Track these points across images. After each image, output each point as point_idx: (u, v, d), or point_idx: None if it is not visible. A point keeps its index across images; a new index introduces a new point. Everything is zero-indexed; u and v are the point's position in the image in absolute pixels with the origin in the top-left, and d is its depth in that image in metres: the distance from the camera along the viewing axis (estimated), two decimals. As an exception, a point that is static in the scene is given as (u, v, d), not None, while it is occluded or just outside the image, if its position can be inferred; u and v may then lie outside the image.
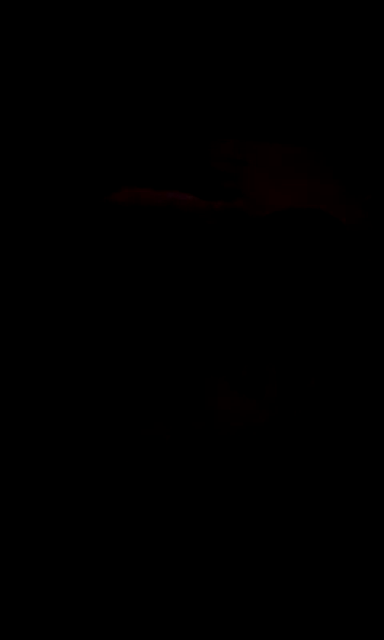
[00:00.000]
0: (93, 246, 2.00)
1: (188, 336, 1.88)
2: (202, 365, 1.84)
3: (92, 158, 2.26)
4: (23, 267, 1.97)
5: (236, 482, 1.63)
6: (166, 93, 2.38)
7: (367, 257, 2.03)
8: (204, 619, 1.49)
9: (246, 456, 1.66)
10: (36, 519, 1.62)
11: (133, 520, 1.62)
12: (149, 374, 1.83)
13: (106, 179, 2.20)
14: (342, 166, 2.36)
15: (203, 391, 1.77)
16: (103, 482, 1.66)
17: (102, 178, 2.21)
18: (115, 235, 2.00)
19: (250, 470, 1.65)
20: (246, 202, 2.21)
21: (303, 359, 1.81)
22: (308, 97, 2.44)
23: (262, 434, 1.68)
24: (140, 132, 2.34)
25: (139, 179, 2.20)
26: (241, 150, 2.40)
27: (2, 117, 2.27)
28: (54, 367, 1.85)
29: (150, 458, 1.67)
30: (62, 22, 2.34)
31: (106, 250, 1.98)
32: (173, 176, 2.24)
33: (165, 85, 2.38)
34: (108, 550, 1.58)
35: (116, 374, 1.84)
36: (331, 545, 1.58)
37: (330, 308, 1.89)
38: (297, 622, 1.49)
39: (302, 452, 1.67)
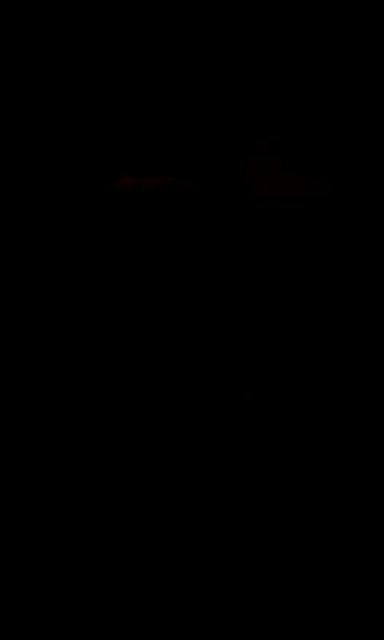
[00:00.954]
0: (96, 233, 1.99)
1: (195, 328, 1.88)
2: (211, 358, 1.84)
3: (91, 147, 2.24)
4: (27, 258, 1.96)
5: (245, 469, 1.66)
6: (169, 82, 2.37)
7: (368, 250, 2.03)
8: (204, 619, 1.49)
9: (255, 443, 1.69)
10: (36, 515, 1.62)
11: (137, 515, 1.62)
12: (157, 367, 1.84)
13: (106, 168, 2.19)
14: (345, 158, 2.35)
15: (213, 384, 1.80)
16: (109, 475, 1.66)
17: (102, 168, 2.20)
18: (118, 222, 1.99)
19: (258, 457, 1.67)
20: (246, 191, 2.20)
21: (307, 351, 1.83)
22: (312, 88, 2.44)
23: (270, 422, 1.72)
24: (141, 121, 2.33)
25: (140, 168, 2.20)
26: (242, 140, 2.39)
27: (1, 109, 2.26)
28: (57, 358, 1.85)
29: (161, 451, 1.68)
30: (60, 15, 2.33)
31: (109, 237, 1.98)
32: (174, 165, 2.23)
33: (168, 74, 2.37)
34: (110, 543, 1.58)
35: (121, 368, 1.84)
36: (335, 537, 1.59)
37: (333, 301, 1.89)
38: (297, 622, 1.49)
39: (309, 438, 1.69)
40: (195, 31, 2.36)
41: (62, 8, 2.31)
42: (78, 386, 1.81)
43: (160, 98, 2.35)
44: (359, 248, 2.02)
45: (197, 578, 1.54)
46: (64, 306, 1.89)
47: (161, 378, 1.81)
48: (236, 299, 1.88)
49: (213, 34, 2.38)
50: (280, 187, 2.23)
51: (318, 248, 1.96)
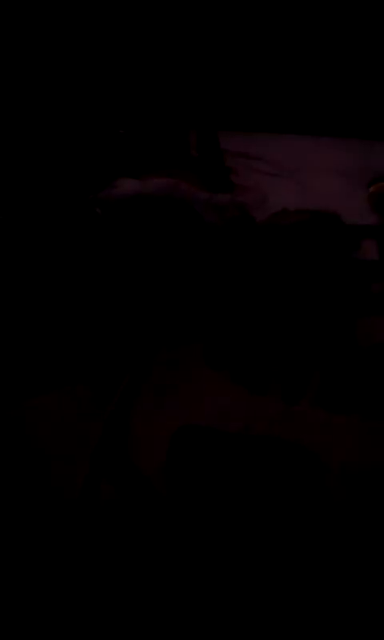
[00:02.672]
0: (94, 238, 1.98)
1: (190, 331, 1.88)
2: (204, 360, 1.84)
3: (88, 149, 2.25)
4: (23, 264, 1.96)
5: (240, 474, 1.65)
6: (167, 82, 2.37)
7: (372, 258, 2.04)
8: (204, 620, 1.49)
9: (250, 450, 1.68)
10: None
11: (129, 521, 1.62)
12: (150, 369, 1.84)
13: (103, 170, 2.19)
14: (346, 157, 2.36)
15: (205, 387, 1.79)
16: (97, 481, 1.66)
17: (99, 169, 2.20)
18: (117, 225, 1.99)
19: (253, 463, 1.67)
20: (246, 195, 2.20)
21: (307, 355, 1.83)
22: (314, 88, 2.44)
23: (266, 428, 1.71)
24: (139, 124, 2.33)
25: (137, 171, 2.19)
26: (240, 143, 2.39)
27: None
28: (50, 361, 1.85)
29: (149, 455, 1.68)
30: (57, 16, 2.33)
31: (107, 241, 1.97)
32: (172, 168, 2.23)
33: (167, 73, 2.37)
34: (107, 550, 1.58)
35: (112, 368, 1.84)
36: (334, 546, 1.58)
37: (334, 308, 1.89)
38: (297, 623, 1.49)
39: (306, 444, 1.68)
40: (192, 32, 2.37)
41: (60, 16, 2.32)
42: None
43: (157, 99, 2.35)
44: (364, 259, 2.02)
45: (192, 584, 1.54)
46: (61, 313, 1.89)
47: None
48: (238, 299, 1.88)
49: (210, 34, 2.38)
50: (280, 192, 2.24)
51: (322, 256, 1.95)
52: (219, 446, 1.68)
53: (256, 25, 2.41)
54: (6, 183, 2.12)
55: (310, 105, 2.44)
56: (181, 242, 1.96)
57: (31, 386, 1.80)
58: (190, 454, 1.68)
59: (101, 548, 1.56)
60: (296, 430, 1.71)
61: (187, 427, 1.70)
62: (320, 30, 2.41)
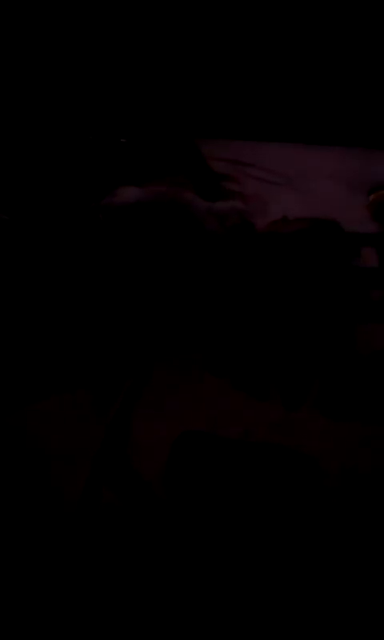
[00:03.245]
0: (93, 247, 1.98)
1: (190, 337, 1.88)
2: (204, 365, 1.84)
3: (88, 157, 2.25)
4: (22, 275, 1.96)
5: (240, 479, 1.65)
6: (163, 91, 2.37)
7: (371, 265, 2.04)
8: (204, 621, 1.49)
9: (250, 456, 1.68)
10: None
11: (130, 525, 1.62)
12: (151, 374, 1.83)
13: (105, 180, 2.19)
14: (346, 165, 2.36)
15: (205, 392, 1.79)
16: (98, 484, 1.66)
17: (101, 179, 2.20)
18: (117, 235, 1.99)
19: (253, 469, 1.67)
20: (245, 204, 2.20)
21: (307, 362, 1.83)
22: (309, 95, 2.44)
23: (266, 434, 1.71)
24: (141, 132, 2.33)
25: (139, 179, 2.19)
26: (241, 151, 2.39)
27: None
28: (51, 366, 1.85)
29: (149, 459, 1.68)
30: (56, 21, 2.33)
31: (107, 250, 1.97)
32: (171, 176, 2.23)
33: (162, 82, 2.37)
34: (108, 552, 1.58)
35: (114, 373, 1.83)
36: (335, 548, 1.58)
37: (334, 315, 1.89)
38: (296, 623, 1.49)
39: (306, 450, 1.68)
40: (188, 41, 2.37)
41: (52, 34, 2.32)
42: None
43: (159, 107, 2.35)
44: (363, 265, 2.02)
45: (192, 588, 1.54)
46: (63, 318, 1.89)
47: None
48: (237, 305, 1.88)
49: (206, 43, 2.38)
50: (279, 199, 2.23)
51: (321, 262, 1.95)
52: (219, 452, 1.68)
53: (256, 32, 2.41)
54: (8, 190, 2.12)
55: (310, 112, 2.45)
56: (181, 249, 1.96)
57: (33, 390, 1.80)
58: (191, 459, 1.68)
59: (101, 552, 1.56)
60: (296, 436, 1.71)
61: (188, 433, 1.70)
62: (319, 37, 2.41)
